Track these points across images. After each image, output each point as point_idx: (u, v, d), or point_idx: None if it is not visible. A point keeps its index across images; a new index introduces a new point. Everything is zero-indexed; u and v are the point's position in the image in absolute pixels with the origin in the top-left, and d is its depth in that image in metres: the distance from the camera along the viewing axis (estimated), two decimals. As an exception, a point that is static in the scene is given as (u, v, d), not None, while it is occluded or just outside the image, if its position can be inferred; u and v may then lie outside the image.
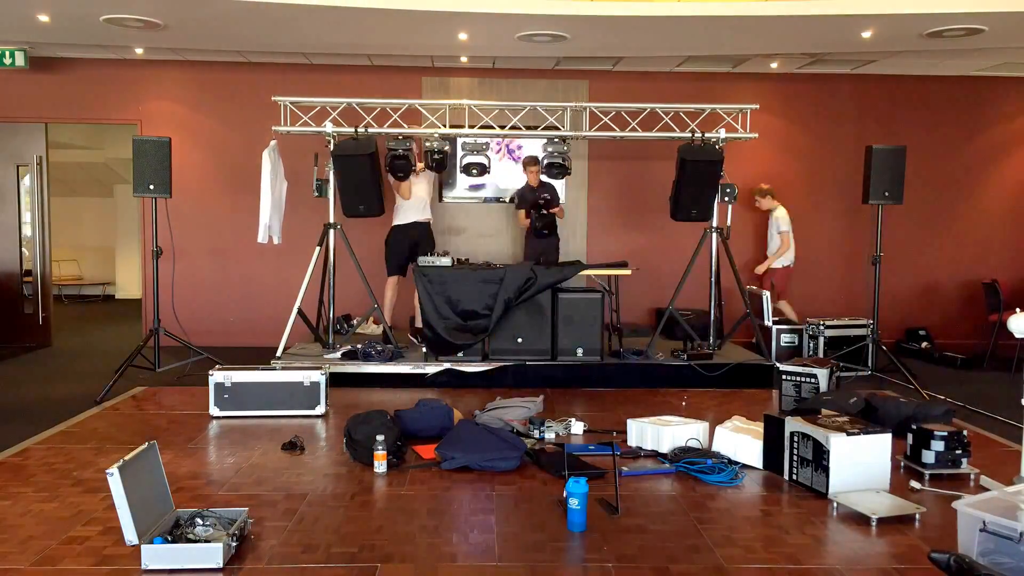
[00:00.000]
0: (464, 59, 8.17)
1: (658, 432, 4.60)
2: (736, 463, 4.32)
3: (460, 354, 6.49)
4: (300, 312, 6.70)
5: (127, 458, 3.15)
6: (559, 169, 6.89)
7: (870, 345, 7.09)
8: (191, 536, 3.20)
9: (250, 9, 6.00)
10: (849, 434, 3.89)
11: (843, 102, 8.72)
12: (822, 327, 7.40)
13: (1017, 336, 4.00)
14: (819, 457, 3.92)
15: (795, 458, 4.11)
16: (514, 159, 8.49)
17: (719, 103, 7.16)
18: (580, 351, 6.55)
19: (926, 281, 8.90)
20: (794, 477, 4.12)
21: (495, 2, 6.02)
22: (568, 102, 7.13)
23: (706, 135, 6.82)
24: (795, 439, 4.11)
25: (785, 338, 7.50)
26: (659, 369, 6.58)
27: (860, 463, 3.90)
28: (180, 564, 3.05)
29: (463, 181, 8.37)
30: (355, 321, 7.27)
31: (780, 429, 4.21)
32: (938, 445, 4.21)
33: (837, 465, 3.85)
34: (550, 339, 6.57)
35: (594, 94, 8.40)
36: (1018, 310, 3.99)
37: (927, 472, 4.21)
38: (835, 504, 3.77)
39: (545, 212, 7.33)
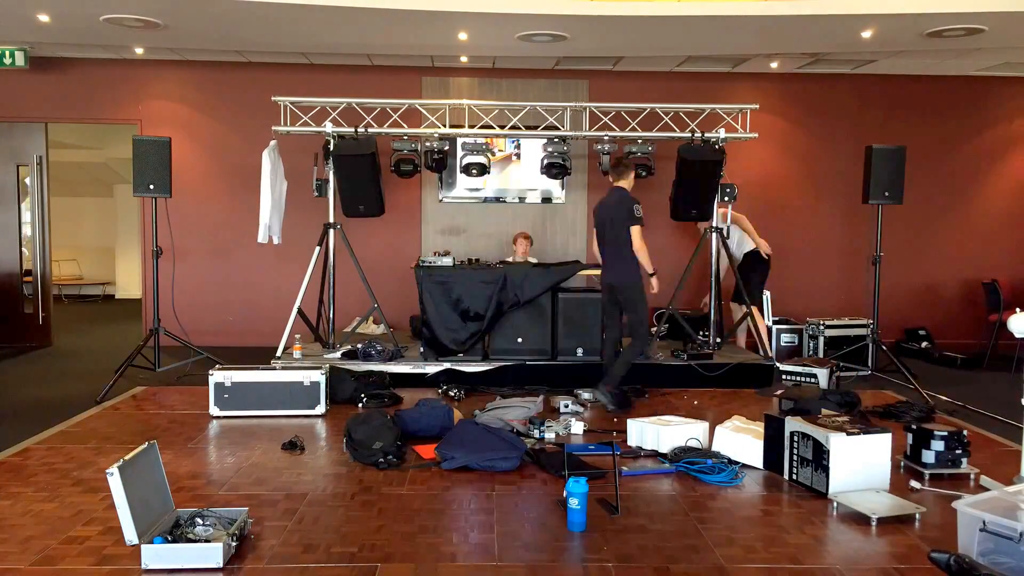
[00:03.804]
0: (464, 59, 8.17)
1: (658, 432, 4.60)
2: (736, 463, 4.32)
3: (460, 354, 6.50)
4: (300, 312, 6.70)
5: (127, 458, 3.15)
6: (559, 169, 6.90)
7: (870, 345, 7.10)
8: (191, 536, 3.20)
9: (250, 9, 6.00)
10: (849, 434, 3.89)
11: (843, 102, 8.72)
12: (822, 327, 7.40)
13: (1017, 336, 4.01)
14: (819, 457, 3.92)
15: (795, 458, 4.11)
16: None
17: (719, 103, 7.16)
18: (580, 351, 6.55)
19: (926, 281, 8.90)
20: (794, 477, 4.12)
21: (495, 2, 6.02)
22: (568, 102, 7.14)
23: (706, 135, 6.82)
24: (795, 439, 4.11)
25: (785, 338, 7.52)
26: (659, 369, 6.58)
27: (860, 463, 3.90)
28: (180, 564, 3.05)
29: (463, 181, 8.36)
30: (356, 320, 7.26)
31: (780, 429, 4.21)
32: (938, 445, 4.21)
33: (837, 465, 3.85)
34: (550, 339, 6.57)
35: (594, 94, 8.40)
36: (1018, 310, 3.99)
37: (927, 472, 4.21)
38: (835, 504, 3.77)
39: None
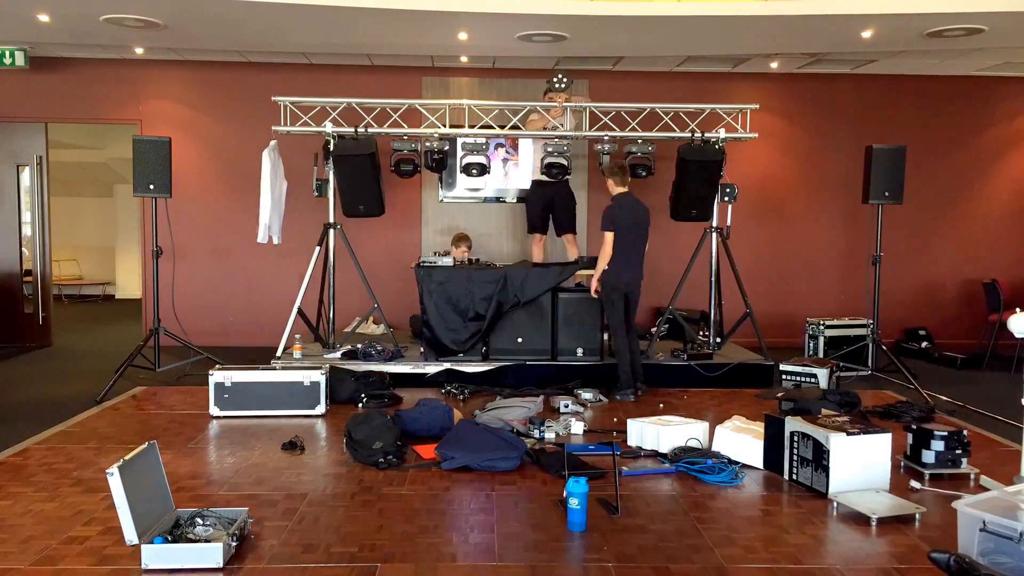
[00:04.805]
0: (464, 59, 8.17)
1: (658, 432, 4.60)
2: (736, 463, 4.32)
3: (460, 354, 6.50)
4: (300, 312, 6.70)
5: (127, 458, 3.15)
6: (559, 169, 6.89)
7: (870, 345, 7.10)
8: (191, 536, 3.20)
9: (250, 9, 6.00)
10: (849, 434, 3.89)
11: (843, 102, 8.72)
12: (822, 327, 7.40)
13: (1017, 336, 4.00)
14: (819, 457, 3.92)
15: (795, 458, 4.11)
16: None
17: (719, 103, 7.15)
18: (580, 351, 6.55)
19: (926, 281, 8.90)
20: (794, 477, 4.11)
21: (495, 2, 6.02)
22: (568, 102, 7.12)
23: (706, 135, 6.81)
24: (795, 439, 4.11)
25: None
26: (659, 369, 6.58)
27: (860, 463, 3.90)
28: (180, 564, 3.05)
29: (463, 181, 8.36)
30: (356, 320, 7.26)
31: (780, 429, 4.21)
32: (938, 445, 4.21)
33: (837, 465, 3.85)
34: (550, 339, 6.57)
35: (594, 94, 8.39)
36: (1018, 310, 3.99)
37: (927, 472, 4.21)
38: (835, 504, 3.77)
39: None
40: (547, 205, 7.30)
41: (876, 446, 3.94)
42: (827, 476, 3.86)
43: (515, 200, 8.58)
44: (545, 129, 6.96)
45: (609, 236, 5.99)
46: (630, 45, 7.25)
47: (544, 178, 6.95)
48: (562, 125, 6.94)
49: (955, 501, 3.16)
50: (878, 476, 3.93)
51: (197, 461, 4.48)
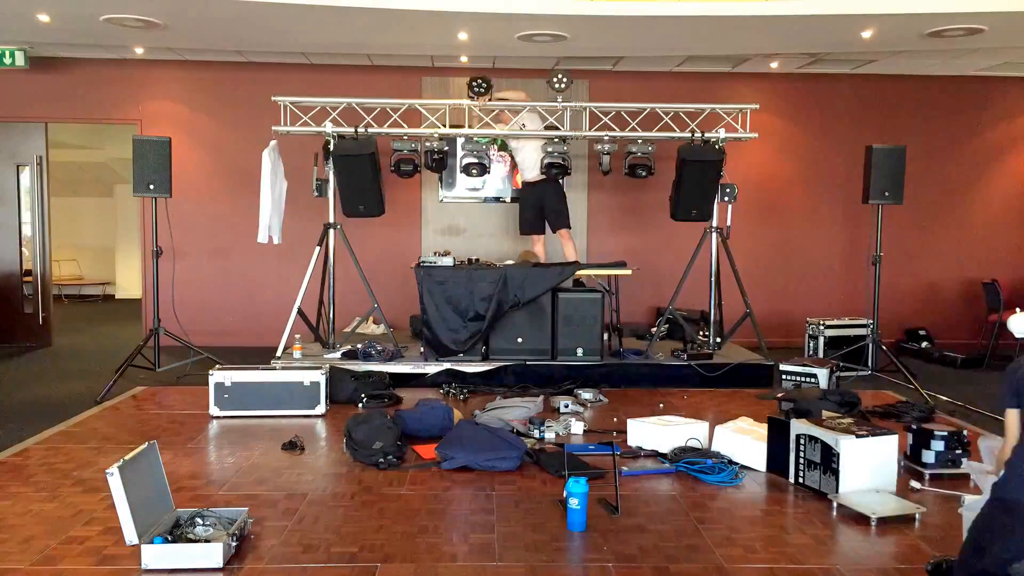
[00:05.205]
0: (464, 59, 8.17)
1: (658, 432, 4.60)
2: (736, 463, 4.31)
3: (460, 354, 6.50)
4: (300, 312, 6.70)
5: (127, 458, 3.15)
6: (559, 169, 6.88)
7: (870, 345, 7.10)
8: (191, 536, 3.20)
9: (250, 9, 6.00)
10: (858, 436, 3.86)
11: (843, 102, 8.72)
12: (822, 327, 7.40)
13: (1017, 336, 3.99)
14: (828, 460, 3.88)
15: (802, 461, 4.07)
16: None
17: (719, 103, 7.15)
18: (580, 351, 6.55)
19: (926, 281, 8.90)
20: (800, 480, 4.07)
21: (495, 2, 6.02)
22: (568, 102, 7.13)
23: (706, 135, 6.81)
24: (802, 442, 4.07)
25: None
26: (659, 369, 6.57)
27: (869, 465, 3.87)
28: (180, 564, 3.05)
29: (463, 181, 8.37)
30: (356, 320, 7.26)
31: (785, 432, 4.15)
32: (938, 445, 4.21)
33: (847, 468, 3.81)
34: (550, 339, 6.56)
35: (594, 94, 8.39)
36: (1018, 310, 3.97)
37: (927, 472, 4.21)
38: (835, 504, 3.76)
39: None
40: (538, 203, 7.33)
41: (884, 448, 3.92)
42: (837, 479, 3.82)
43: (516, 200, 8.58)
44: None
45: (1013, 416, 3.01)
46: (630, 45, 7.25)
47: (531, 179, 6.97)
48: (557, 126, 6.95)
49: (960, 507, 3.14)
50: (886, 477, 3.91)
51: (197, 461, 4.48)
